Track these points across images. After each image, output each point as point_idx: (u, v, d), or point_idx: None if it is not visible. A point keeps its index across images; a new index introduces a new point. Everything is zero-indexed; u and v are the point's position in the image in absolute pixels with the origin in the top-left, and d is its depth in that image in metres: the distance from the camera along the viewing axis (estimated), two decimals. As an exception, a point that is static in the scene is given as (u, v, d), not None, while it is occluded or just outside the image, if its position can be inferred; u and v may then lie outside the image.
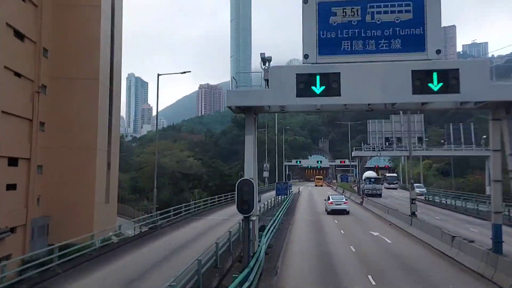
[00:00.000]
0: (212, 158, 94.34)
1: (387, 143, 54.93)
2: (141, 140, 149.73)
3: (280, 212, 34.12)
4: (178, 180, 57.20)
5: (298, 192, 75.56)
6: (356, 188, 69.29)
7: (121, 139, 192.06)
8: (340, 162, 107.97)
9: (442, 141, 57.26)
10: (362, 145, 58.96)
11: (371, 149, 57.40)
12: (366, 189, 58.92)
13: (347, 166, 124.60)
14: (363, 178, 64.19)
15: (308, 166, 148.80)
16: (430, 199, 54.82)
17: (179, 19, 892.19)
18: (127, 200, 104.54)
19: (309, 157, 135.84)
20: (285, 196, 47.12)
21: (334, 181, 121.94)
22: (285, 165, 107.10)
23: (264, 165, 79.20)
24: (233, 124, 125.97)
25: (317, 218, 37.28)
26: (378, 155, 59.46)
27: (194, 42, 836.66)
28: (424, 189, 60.08)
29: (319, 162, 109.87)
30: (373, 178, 63.16)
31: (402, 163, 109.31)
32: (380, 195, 58.21)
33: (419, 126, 54.19)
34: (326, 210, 41.16)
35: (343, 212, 39.66)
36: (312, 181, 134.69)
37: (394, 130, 54.51)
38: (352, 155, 64.68)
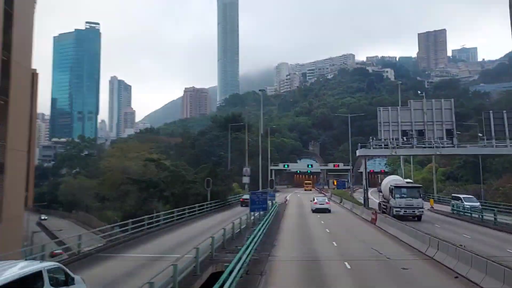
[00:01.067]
0: (188, 161, 79.70)
1: (404, 138, 40.22)
2: (115, 144, 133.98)
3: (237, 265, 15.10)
4: (144, 187, 42.42)
5: (285, 201, 60.87)
6: (361, 199, 54.25)
7: (97, 142, 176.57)
8: (334, 166, 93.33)
9: (480, 134, 41.41)
10: (371, 140, 43.32)
11: (382, 145, 41.37)
12: (396, 208, 36.31)
13: (342, 170, 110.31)
14: (387, 186, 41.57)
15: (297, 171, 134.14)
16: (459, 212, 40.48)
17: (167, 23, 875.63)
18: (94, 209, 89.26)
19: (298, 160, 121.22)
20: (265, 211, 32.30)
21: (326, 187, 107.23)
22: (271, 170, 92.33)
23: (244, 169, 64.42)
24: (213, 123, 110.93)
25: (313, 255, 21.11)
26: (393, 153, 43.88)
27: (183, 46, 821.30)
28: (477, 203, 41.84)
29: (310, 166, 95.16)
30: (405, 187, 39.17)
31: (401, 167, 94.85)
32: (419, 218, 36.71)
33: (448, 115, 39.67)
34: (311, 209, 47.37)
35: (325, 211, 45.77)
36: (302, 187, 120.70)
37: (414, 120, 39.86)
38: (357, 155, 48.27)
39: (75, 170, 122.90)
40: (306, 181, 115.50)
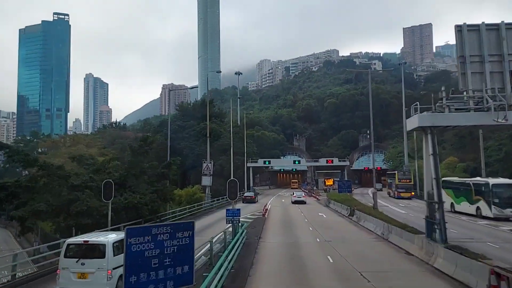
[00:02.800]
0: (149, 158, 59.61)
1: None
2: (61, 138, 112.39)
3: None
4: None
5: (264, 213, 41.21)
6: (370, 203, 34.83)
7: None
8: (327, 161, 74.24)
9: None
10: (443, 97, 19.57)
11: (470, 103, 18.55)
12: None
13: (334, 168, 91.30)
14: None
15: (280, 169, 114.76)
16: None
17: (151, 18, 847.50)
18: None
19: (282, 157, 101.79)
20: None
21: (315, 188, 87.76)
22: (248, 167, 73.12)
23: (204, 165, 44.73)
24: (180, 112, 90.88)
25: None
26: (499, 120, 19.36)
27: (167, 42, 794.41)
28: None
29: (297, 162, 75.46)
30: None
31: (405, 162, 76.51)
32: None
33: None
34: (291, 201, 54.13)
35: (302, 202, 53.38)
36: (286, 188, 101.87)
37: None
38: (414, 125, 20.11)
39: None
40: (293, 180, 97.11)
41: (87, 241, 13.07)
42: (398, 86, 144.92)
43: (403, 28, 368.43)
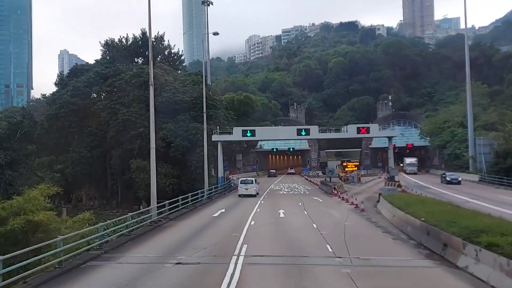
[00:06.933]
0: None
1: None
2: None
3: None
4: None
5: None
6: None
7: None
8: (359, 131, 39.93)
9: None
10: None
11: None
12: None
13: (354, 143, 57.59)
14: None
15: (272, 149, 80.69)
16: None
17: None
18: None
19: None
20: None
21: (338, 177, 52.53)
22: (214, 142, 39.69)
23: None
24: (106, 54, 55.36)
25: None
26: None
27: (155, 16, 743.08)
28: None
29: (303, 132, 40.37)
30: None
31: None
32: None
33: None
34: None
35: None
36: (290, 173, 69.90)
37: None
38: None
39: None
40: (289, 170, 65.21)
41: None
42: (409, 51, 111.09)
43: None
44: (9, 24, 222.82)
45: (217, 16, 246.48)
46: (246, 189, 35.68)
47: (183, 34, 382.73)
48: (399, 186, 37.29)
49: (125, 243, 15.81)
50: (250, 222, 20.81)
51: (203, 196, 32.74)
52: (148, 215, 20.45)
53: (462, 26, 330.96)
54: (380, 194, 28.21)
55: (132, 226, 18.14)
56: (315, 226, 19.45)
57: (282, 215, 23.95)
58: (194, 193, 29.25)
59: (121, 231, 17.06)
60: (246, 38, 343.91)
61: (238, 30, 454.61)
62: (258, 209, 26.67)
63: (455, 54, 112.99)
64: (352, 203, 28.54)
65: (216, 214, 24.51)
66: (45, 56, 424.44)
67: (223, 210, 26.22)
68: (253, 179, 39.61)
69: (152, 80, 22.30)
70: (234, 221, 21.60)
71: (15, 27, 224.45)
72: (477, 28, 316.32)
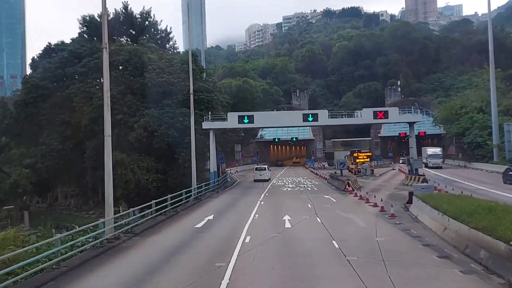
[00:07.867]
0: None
1: None
2: None
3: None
4: None
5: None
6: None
7: None
8: (376, 115, 33.86)
9: None
10: None
11: None
12: None
13: (364, 130, 51.10)
14: None
15: (274, 139, 74.65)
16: None
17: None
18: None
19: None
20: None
21: (349, 170, 45.72)
22: (206, 130, 33.65)
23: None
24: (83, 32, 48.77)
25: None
26: None
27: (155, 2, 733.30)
28: None
29: (310, 118, 34.43)
30: None
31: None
32: None
33: None
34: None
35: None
36: (295, 164, 63.73)
37: None
38: None
39: None
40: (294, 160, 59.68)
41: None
42: (414, 35, 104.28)
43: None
44: (1, 13, 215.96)
45: (217, 3, 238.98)
46: (260, 175, 43.18)
47: (182, 24, 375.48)
48: (425, 180, 31.23)
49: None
50: (244, 238, 14.86)
51: (190, 195, 26.79)
52: (100, 231, 14.43)
53: (465, 13, 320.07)
54: (411, 193, 22.19)
55: (66, 252, 12.15)
56: (336, 246, 13.45)
57: (288, 224, 17.98)
58: (176, 194, 23.22)
59: (45, 261, 11.11)
60: (246, 27, 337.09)
61: (239, 19, 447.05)
62: (257, 215, 20.69)
63: (464, 37, 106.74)
64: (375, 204, 22.53)
65: (200, 225, 18.50)
66: (40, 46, 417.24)
67: (211, 217, 20.20)
68: (266, 166, 47.46)
69: (107, 41, 16.24)
70: (222, 237, 15.63)
71: (8, 17, 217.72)
72: (480, 15, 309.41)
